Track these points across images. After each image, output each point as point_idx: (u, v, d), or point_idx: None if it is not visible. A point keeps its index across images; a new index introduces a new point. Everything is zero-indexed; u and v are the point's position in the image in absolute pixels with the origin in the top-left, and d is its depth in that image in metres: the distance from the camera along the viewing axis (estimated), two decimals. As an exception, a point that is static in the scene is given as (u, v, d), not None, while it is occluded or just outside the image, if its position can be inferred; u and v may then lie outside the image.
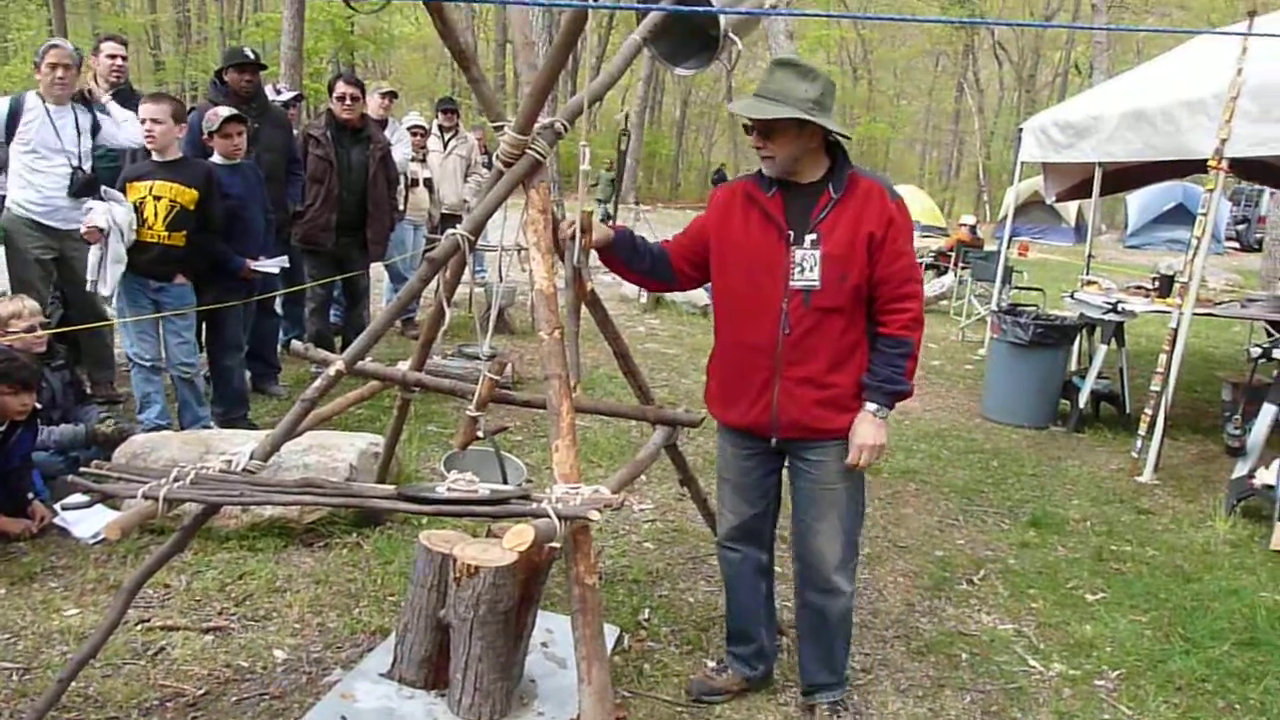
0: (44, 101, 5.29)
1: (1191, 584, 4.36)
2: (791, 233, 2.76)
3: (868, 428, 2.80)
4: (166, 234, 4.89)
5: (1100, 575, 4.43)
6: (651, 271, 3.06)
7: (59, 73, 5.27)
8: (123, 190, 4.87)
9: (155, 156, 4.98)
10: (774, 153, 2.75)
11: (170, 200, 4.90)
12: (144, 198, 4.87)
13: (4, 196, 5.49)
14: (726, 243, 2.91)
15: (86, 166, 5.39)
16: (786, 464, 3.03)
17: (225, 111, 5.40)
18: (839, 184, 2.76)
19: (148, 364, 5.04)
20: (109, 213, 4.68)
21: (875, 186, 2.78)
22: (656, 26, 2.85)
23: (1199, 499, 5.57)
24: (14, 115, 5.27)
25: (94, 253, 4.74)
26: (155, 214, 4.87)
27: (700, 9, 2.68)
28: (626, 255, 3.00)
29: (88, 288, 4.85)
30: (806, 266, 2.74)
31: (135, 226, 4.80)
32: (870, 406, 2.80)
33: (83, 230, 4.71)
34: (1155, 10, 35.56)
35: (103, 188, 4.91)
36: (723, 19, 2.74)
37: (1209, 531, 5.05)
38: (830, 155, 2.82)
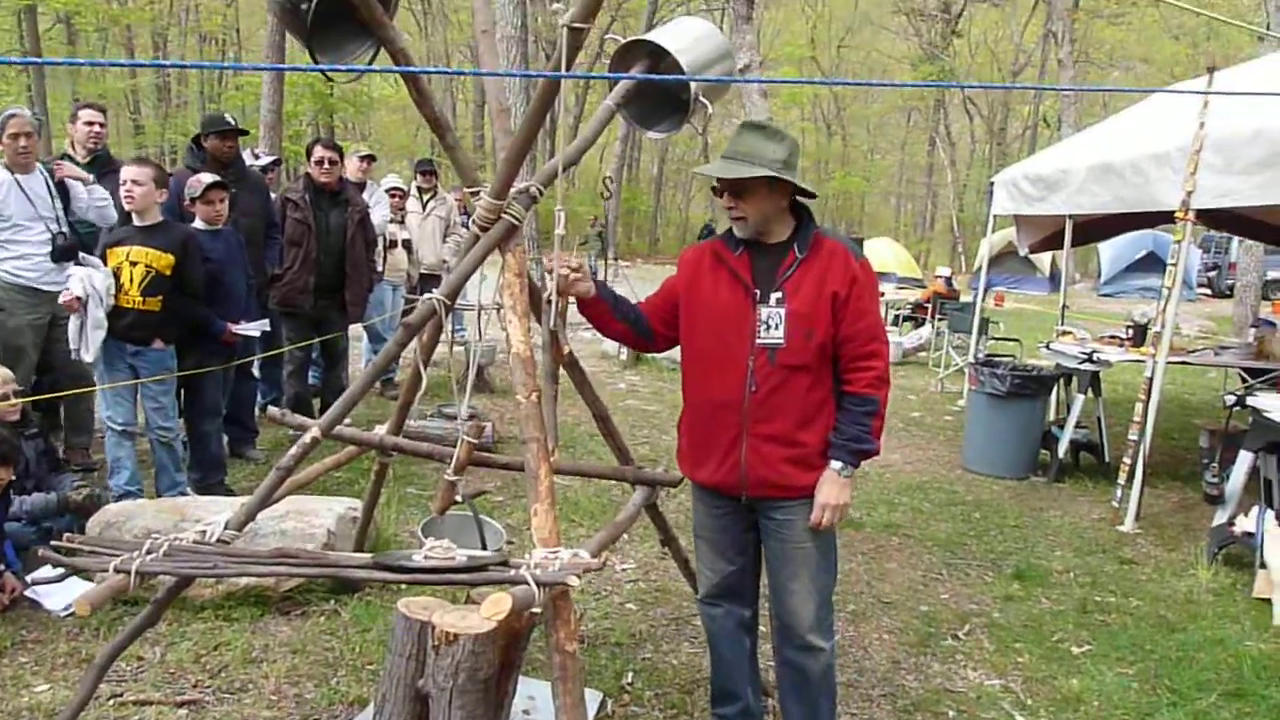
0: (12, 173, 5.29)
1: (1176, 634, 4.35)
2: (758, 291, 2.81)
3: (831, 487, 2.81)
4: (141, 299, 4.90)
5: (1085, 627, 4.42)
6: (633, 326, 3.08)
7: (21, 142, 5.25)
8: (103, 256, 4.88)
9: (135, 220, 4.99)
10: (746, 212, 2.80)
11: (145, 266, 4.90)
12: (121, 263, 4.88)
13: None
14: (695, 302, 2.94)
15: (65, 230, 5.39)
16: (758, 522, 3.02)
17: (208, 178, 5.42)
18: (804, 244, 2.82)
19: (119, 428, 4.99)
20: (87, 280, 4.69)
21: (839, 247, 2.84)
22: (629, 92, 2.89)
23: (1181, 547, 5.57)
24: None
25: (74, 320, 4.75)
26: (130, 280, 4.88)
27: (671, 77, 2.73)
28: (610, 305, 3.02)
29: (72, 355, 4.83)
30: (772, 324, 2.79)
31: (113, 291, 4.81)
32: (835, 465, 2.81)
33: (61, 300, 4.71)
34: (1120, 64, 36.36)
35: (80, 254, 4.91)
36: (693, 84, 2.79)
37: (1192, 580, 5.04)
38: (796, 216, 2.88)
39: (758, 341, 2.79)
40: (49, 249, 5.30)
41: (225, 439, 6.02)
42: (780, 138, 2.79)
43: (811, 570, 2.91)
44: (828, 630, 3.00)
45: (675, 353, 10.05)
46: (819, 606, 2.94)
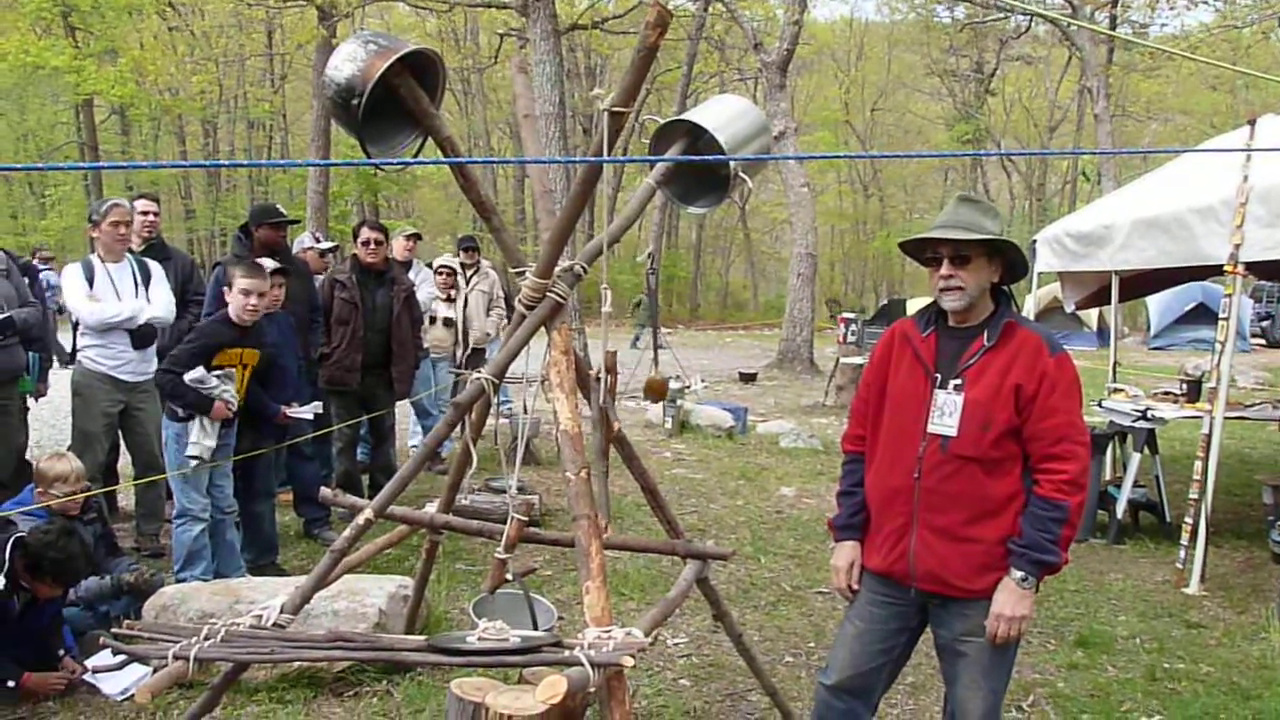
0: (103, 262, 5.50)
1: (1251, 702, 4.19)
2: (938, 375, 2.73)
3: (1007, 596, 2.65)
4: (244, 395, 5.12)
5: (1155, 696, 4.27)
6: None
7: (121, 230, 5.52)
8: (208, 359, 4.88)
9: (239, 320, 5.01)
10: (965, 282, 2.70)
11: (252, 367, 5.14)
12: (235, 365, 5.02)
13: (75, 352, 5.65)
14: (882, 384, 2.88)
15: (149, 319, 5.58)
16: (928, 619, 2.92)
17: (271, 265, 5.55)
18: (994, 331, 2.71)
19: (206, 519, 5.03)
20: (230, 393, 4.91)
21: (1033, 338, 2.70)
22: (669, 171, 2.94)
23: (1250, 609, 5.39)
24: (90, 280, 5.49)
25: (209, 425, 4.85)
26: (242, 381, 5.08)
27: (711, 158, 2.77)
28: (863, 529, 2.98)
29: (190, 452, 4.85)
30: (947, 411, 2.69)
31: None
32: (1015, 574, 2.64)
33: (215, 415, 4.84)
34: (1158, 116, 36.24)
35: (216, 374, 4.88)
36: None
37: (1264, 644, 4.87)
38: (994, 301, 2.79)
39: (930, 428, 2.70)
40: (129, 339, 5.50)
41: (304, 522, 6.33)
42: (994, 214, 2.77)
43: (981, 667, 2.77)
44: None
45: (719, 419, 9.89)
46: (987, 710, 2.78)
